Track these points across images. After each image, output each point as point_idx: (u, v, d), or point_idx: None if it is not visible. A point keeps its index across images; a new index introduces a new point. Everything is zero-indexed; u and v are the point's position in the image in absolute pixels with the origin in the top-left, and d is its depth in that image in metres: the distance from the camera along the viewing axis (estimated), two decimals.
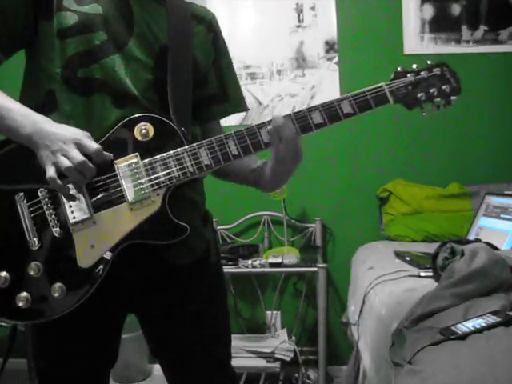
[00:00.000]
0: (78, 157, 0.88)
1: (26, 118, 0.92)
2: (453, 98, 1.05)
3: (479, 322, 0.96)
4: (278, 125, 0.95)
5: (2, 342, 2.58)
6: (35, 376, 1.07)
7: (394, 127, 2.55)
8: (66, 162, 0.88)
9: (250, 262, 2.30)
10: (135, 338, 2.38)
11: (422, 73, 1.03)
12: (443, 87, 1.04)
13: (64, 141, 0.89)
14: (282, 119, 0.96)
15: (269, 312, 2.62)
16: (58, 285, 0.93)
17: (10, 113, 0.92)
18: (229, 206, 2.57)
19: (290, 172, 1.03)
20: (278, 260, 2.27)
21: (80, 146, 0.90)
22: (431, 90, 1.03)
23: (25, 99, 1.01)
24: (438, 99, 1.04)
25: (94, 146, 0.90)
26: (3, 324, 2.21)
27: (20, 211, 0.94)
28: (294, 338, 2.53)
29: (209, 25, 1.15)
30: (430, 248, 1.55)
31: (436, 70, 1.04)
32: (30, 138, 0.91)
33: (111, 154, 0.94)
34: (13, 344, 1.35)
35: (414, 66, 1.04)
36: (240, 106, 1.22)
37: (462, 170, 2.53)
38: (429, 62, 1.05)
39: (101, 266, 0.94)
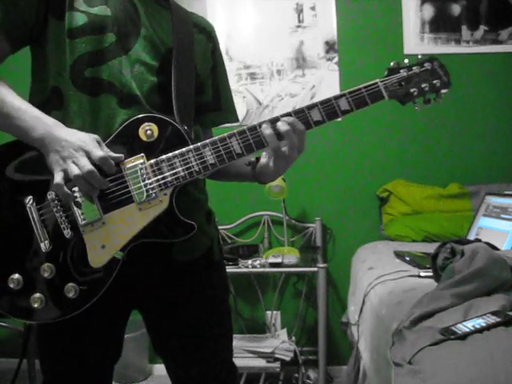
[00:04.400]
0: (87, 166, 0.90)
1: (38, 120, 0.93)
2: (443, 91, 1.06)
3: (479, 322, 0.96)
4: (292, 122, 0.98)
5: (1, 342, 2.59)
6: (35, 376, 1.07)
7: (393, 127, 2.56)
8: (75, 170, 0.89)
9: (250, 262, 2.30)
10: (135, 337, 2.39)
11: (414, 68, 1.05)
12: (434, 82, 1.05)
13: (75, 148, 0.90)
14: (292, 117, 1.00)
15: (269, 312, 2.62)
16: (70, 285, 0.94)
17: (20, 113, 0.93)
18: (229, 206, 2.57)
19: (292, 162, 1.04)
20: (278, 260, 2.27)
21: (89, 155, 0.91)
22: (423, 85, 1.05)
23: (33, 96, 1.03)
24: (429, 94, 1.06)
25: (99, 153, 0.91)
26: (3, 324, 2.21)
27: (30, 214, 0.95)
28: (294, 337, 2.53)
29: (209, 35, 1.18)
30: (430, 248, 1.55)
31: (427, 65, 1.05)
32: (42, 140, 0.92)
33: (121, 155, 0.95)
34: (27, 344, 1.35)
35: (406, 61, 1.06)
36: (231, 116, 1.25)
37: (462, 169, 2.53)
38: (419, 57, 1.06)
39: (112, 266, 0.95)
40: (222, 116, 1.23)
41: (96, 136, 0.94)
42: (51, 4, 0.99)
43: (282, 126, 0.97)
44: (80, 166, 0.90)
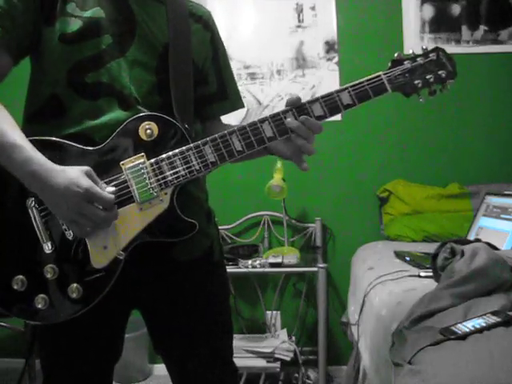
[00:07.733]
0: (100, 214, 0.89)
1: (25, 165, 0.88)
2: (449, 82, 1.04)
3: (479, 322, 0.96)
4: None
5: (1, 341, 2.59)
6: (35, 376, 1.07)
7: (393, 127, 2.56)
8: (87, 223, 0.89)
9: (249, 262, 2.30)
10: (135, 337, 2.39)
11: (418, 59, 1.03)
12: (439, 72, 1.03)
13: (75, 201, 0.87)
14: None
15: (269, 312, 2.62)
16: (74, 286, 0.95)
17: (12, 153, 0.88)
18: (229, 206, 2.57)
19: None
20: (278, 260, 2.27)
21: (93, 199, 0.89)
22: (428, 77, 1.03)
23: (29, 103, 1.03)
24: (435, 85, 1.04)
25: (107, 197, 0.90)
26: (3, 324, 2.21)
27: (32, 216, 0.95)
28: (293, 338, 2.53)
29: (206, 23, 1.16)
30: (430, 248, 1.55)
31: (432, 56, 1.03)
32: (33, 187, 0.90)
33: (112, 197, 0.92)
34: (33, 345, 1.36)
35: (411, 52, 1.04)
36: (238, 103, 1.24)
37: (462, 170, 2.53)
38: (424, 47, 1.04)
39: (114, 266, 0.95)
40: (230, 104, 1.22)
41: (87, 168, 0.90)
42: (45, 13, 0.98)
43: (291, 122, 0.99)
44: (89, 216, 0.88)
